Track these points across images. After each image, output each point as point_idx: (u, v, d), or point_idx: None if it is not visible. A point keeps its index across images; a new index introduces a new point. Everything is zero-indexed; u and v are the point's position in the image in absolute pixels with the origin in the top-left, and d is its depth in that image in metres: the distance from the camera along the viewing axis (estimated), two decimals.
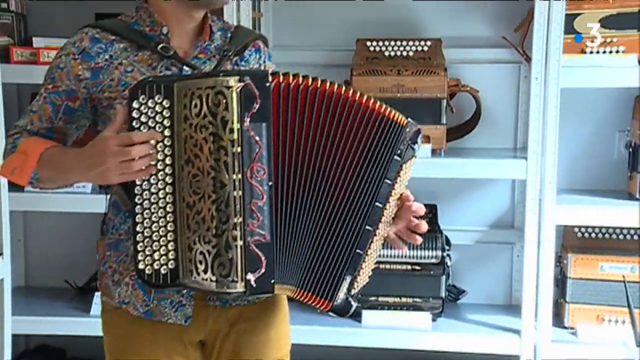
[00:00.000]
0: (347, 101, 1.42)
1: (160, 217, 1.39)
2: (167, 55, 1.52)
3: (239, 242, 1.35)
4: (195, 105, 1.35)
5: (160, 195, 1.39)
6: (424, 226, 1.51)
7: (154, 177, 1.38)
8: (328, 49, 2.70)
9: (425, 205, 2.61)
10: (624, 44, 2.28)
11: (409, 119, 1.46)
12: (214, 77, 1.36)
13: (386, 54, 2.54)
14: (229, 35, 1.61)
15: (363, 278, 1.49)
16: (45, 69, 2.38)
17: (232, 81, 1.34)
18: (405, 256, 2.46)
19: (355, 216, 1.44)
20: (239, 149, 1.34)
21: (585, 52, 2.31)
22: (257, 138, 1.35)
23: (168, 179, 1.39)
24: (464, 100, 2.57)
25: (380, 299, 2.49)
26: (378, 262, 2.47)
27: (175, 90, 1.37)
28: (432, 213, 2.68)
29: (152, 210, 1.39)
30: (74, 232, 2.83)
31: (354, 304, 1.47)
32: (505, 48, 2.58)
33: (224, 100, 1.33)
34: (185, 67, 1.52)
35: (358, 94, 1.43)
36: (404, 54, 2.54)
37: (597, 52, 2.30)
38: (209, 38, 1.58)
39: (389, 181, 1.45)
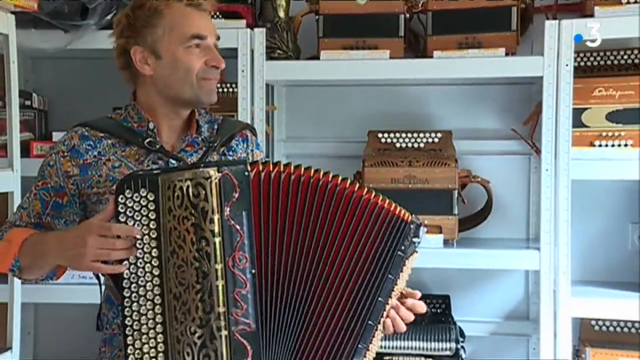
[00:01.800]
0: (335, 191, 1.42)
1: (148, 310, 1.40)
2: (153, 149, 1.56)
3: (224, 332, 1.35)
4: (178, 197, 1.37)
5: (148, 288, 1.40)
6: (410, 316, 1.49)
7: (141, 269, 1.39)
8: (340, 141, 2.75)
9: (438, 296, 2.64)
10: (632, 138, 2.31)
11: (413, 215, 1.47)
12: (194, 169, 1.39)
13: (397, 145, 2.58)
14: (216, 127, 1.65)
15: None
16: None
17: (211, 172, 1.36)
18: (419, 348, 2.42)
19: (357, 310, 1.43)
20: (219, 239, 1.36)
21: (594, 145, 2.34)
22: (238, 227, 1.37)
23: (155, 271, 1.40)
24: (475, 191, 2.59)
25: None
26: (391, 354, 2.47)
27: (160, 183, 1.39)
28: (445, 304, 2.65)
29: (141, 303, 1.40)
30: (84, 324, 2.79)
31: None
32: (515, 140, 2.61)
33: (203, 192, 1.36)
34: (172, 161, 1.56)
35: (348, 182, 1.43)
36: (415, 145, 2.57)
37: (606, 146, 2.33)
38: (196, 132, 1.62)
39: (392, 276, 1.44)
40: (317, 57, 2.49)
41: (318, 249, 1.42)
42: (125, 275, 1.39)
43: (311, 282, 1.42)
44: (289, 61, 2.53)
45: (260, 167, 1.40)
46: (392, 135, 2.58)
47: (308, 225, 1.42)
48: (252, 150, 1.69)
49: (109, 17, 2.41)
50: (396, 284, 1.45)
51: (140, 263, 1.39)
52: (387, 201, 1.45)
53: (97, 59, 2.75)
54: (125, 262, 1.39)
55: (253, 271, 1.37)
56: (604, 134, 2.34)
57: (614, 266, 2.59)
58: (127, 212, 1.39)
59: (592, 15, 2.29)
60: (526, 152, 2.62)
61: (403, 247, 1.44)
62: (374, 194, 1.44)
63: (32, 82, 2.81)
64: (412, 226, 1.45)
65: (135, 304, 1.39)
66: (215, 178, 1.36)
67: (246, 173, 1.38)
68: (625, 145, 2.32)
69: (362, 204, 1.42)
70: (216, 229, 1.36)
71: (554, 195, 2.32)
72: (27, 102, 2.57)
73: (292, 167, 1.41)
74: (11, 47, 2.17)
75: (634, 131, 2.31)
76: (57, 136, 2.52)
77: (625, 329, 2.43)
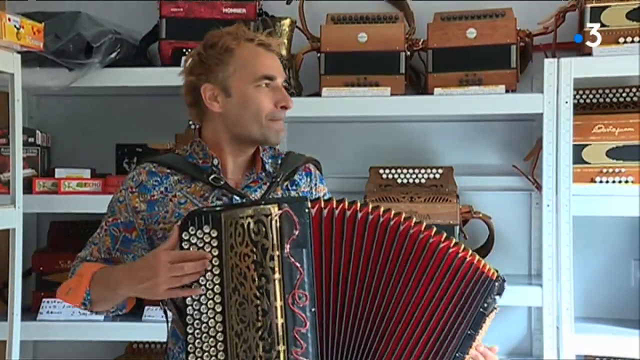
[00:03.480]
0: (408, 234, 1.39)
1: (211, 347, 1.40)
2: (218, 185, 1.57)
3: None
4: (239, 234, 1.38)
5: (211, 324, 1.40)
6: None
7: (204, 306, 1.40)
8: (341, 177, 2.74)
9: None
10: (632, 174, 2.32)
11: (497, 270, 1.44)
12: (255, 206, 1.39)
13: (399, 181, 2.58)
14: (279, 161, 1.67)
15: None
16: (65, 199, 2.47)
17: (271, 209, 1.37)
18: None
19: None
20: (279, 276, 1.36)
21: (595, 181, 2.35)
22: (298, 264, 1.37)
23: (217, 308, 1.40)
24: (477, 227, 2.59)
25: None
26: None
27: (223, 220, 1.40)
28: None
29: (204, 340, 1.40)
30: None
31: None
32: (516, 176, 2.62)
33: (264, 229, 1.37)
34: (235, 197, 1.58)
35: (424, 226, 1.39)
36: (417, 181, 2.58)
37: (607, 182, 2.34)
38: (261, 168, 1.63)
39: (471, 332, 1.42)
40: (318, 94, 2.51)
41: (386, 294, 1.40)
42: (188, 311, 1.40)
43: (378, 326, 1.40)
44: (291, 98, 2.54)
45: (322, 204, 1.40)
46: (393, 171, 2.59)
47: (375, 267, 1.40)
48: (315, 185, 1.70)
49: (112, 55, 2.45)
50: (474, 340, 1.43)
51: (203, 299, 1.40)
52: (470, 252, 1.42)
53: (100, 97, 2.78)
54: (197, 285, 1.39)
55: (313, 309, 1.37)
56: (604, 170, 2.35)
57: (617, 303, 2.58)
58: (191, 249, 1.41)
59: (590, 54, 2.32)
60: (527, 188, 2.63)
61: (486, 305, 1.42)
62: (453, 241, 1.41)
63: (36, 119, 2.83)
64: (497, 284, 1.42)
65: (198, 340, 1.40)
66: (275, 215, 1.37)
67: (307, 210, 1.38)
68: (626, 181, 2.33)
69: (439, 253, 1.40)
70: (276, 267, 1.36)
71: (555, 231, 2.32)
72: (31, 139, 2.58)
73: (359, 205, 1.40)
74: (16, 86, 2.19)
75: (634, 168, 2.32)
76: (59, 172, 2.53)
77: None
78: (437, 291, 1.40)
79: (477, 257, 1.42)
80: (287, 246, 1.36)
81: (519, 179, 2.62)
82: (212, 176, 1.57)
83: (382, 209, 1.40)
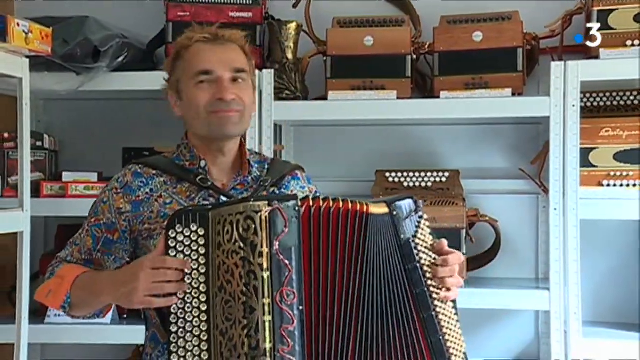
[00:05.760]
0: (356, 214, 1.39)
1: (194, 346, 1.39)
2: (205, 186, 1.58)
3: None
4: (227, 232, 1.38)
5: (195, 324, 1.39)
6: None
7: (189, 305, 1.39)
8: (348, 180, 2.75)
9: None
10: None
11: (390, 204, 1.42)
12: (244, 203, 1.39)
13: (405, 184, 2.59)
14: (266, 166, 1.67)
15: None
16: (72, 202, 2.48)
17: (261, 206, 1.37)
18: None
19: (409, 323, 1.41)
20: (267, 273, 1.35)
21: (602, 185, 2.34)
22: (287, 262, 1.36)
23: (202, 307, 1.40)
24: (484, 230, 2.58)
25: None
26: None
27: (210, 219, 1.40)
28: None
29: (187, 339, 1.39)
30: None
31: None
32: (523, 179, 2.61)
33: (253, 225, 1.36)
34: (222, 198, 1.58)
35: (366, 206, 1.40)
36: (423, 184, 2.58)
37: (614, 185, 2.33)
38: (248, 172, 1.64)
39: (412, 265, 1.42)
40: (324, 98, 2.51)
41: (360, 282, 1.39)
42: (172, 310, 1.39)
43: (361, 317, 1.39)
44: (297, 101, 2.55)
45: (311, 203, 1.39)
46: (399, 174, 2.59)
47: (351, 265, 1.40)
48: (303, 187, 1.70)
49: (120, 59, 2.46)
50: (422, 264, 1.43)
51: (188, 298, 1.39)
52: (362, 205, 1.40)
53: (107, 100, 2.79)
54: (175, 296, 1.39)
55: (301, 307, 1.36)
56: (612, 173, 2.34)
57: (625, 307, 2.57)
58: (177, 247, 1.40)
59: (597, 57, 2.32)
60: (534, 191, 2.62)
61: (401, 235, 1.42)
62: (360, 203, 1.41)
63: (44, 123, 2.84)
64: (394, 212, 1.42)
65: (181, 339, 1.39)
66: (265, 212, 1.36)
67: (297, 208, 1.38)
68: (634, 185, 2.32)
69: (356, 217, 1.39)
70: (265, 264, 1.35)
71: (562, 235, 2.31)
72: (39, 143, 2.59)
73: (341, 202, 1.40)
74: (25, 90, 2.20)
75: None
76: (67, 176, 2.54)
77: None
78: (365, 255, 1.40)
79: (362, 204, 1.41)
80: (277, 243, 1.35)
81: (525, 182, 2.61)
82: (199, 177, 1.58)
83: (358, 204, 1.40)
